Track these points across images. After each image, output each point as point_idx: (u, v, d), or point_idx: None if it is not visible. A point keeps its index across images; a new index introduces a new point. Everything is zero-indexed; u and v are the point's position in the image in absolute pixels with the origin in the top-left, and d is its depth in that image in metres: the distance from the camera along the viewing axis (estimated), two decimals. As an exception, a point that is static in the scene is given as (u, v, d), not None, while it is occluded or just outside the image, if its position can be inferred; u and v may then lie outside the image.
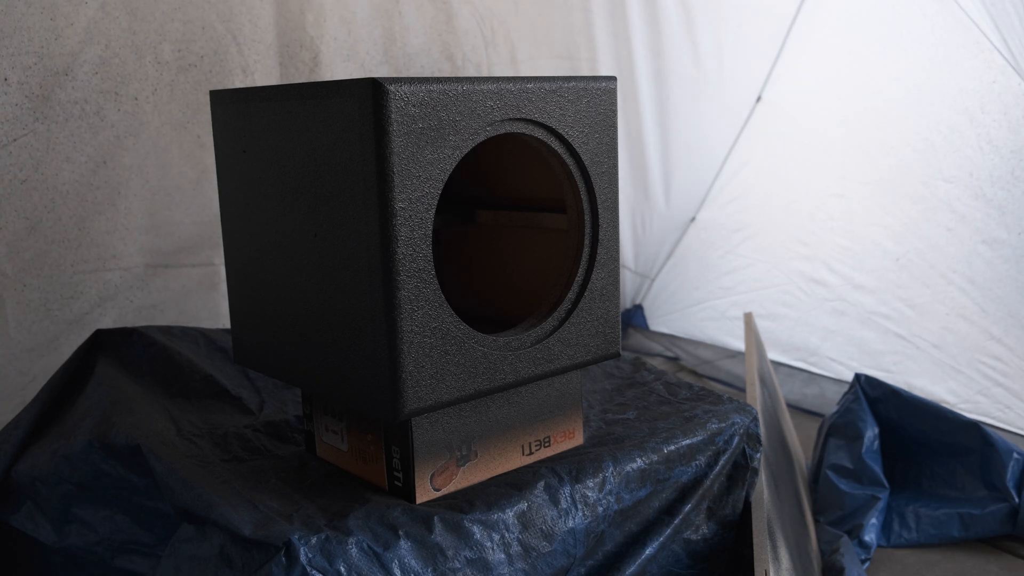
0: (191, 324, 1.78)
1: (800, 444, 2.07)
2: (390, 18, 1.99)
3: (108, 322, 1.67)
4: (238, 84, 1.76)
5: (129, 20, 1.62)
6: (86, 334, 1.61)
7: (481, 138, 1.06)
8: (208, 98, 1.71)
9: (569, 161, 1.17)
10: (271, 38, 1.79)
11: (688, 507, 1.30)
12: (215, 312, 1.81)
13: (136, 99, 1.65)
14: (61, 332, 1.62)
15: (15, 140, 1.52)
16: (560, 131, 1.14)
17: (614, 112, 1.20)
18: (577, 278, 1.20)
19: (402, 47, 2.03)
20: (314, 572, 0.96)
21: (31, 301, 1.58)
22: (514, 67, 2.31)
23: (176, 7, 1.67)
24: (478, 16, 2.19)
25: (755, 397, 1.56)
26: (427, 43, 2.08)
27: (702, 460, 1.32)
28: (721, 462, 1.34)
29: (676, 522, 1.28)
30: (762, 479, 1.40)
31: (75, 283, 1.63)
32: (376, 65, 1.99)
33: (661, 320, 2.89)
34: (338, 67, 1.91)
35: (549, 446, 1.27)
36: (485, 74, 2.21)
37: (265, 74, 1.79)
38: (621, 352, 1.30)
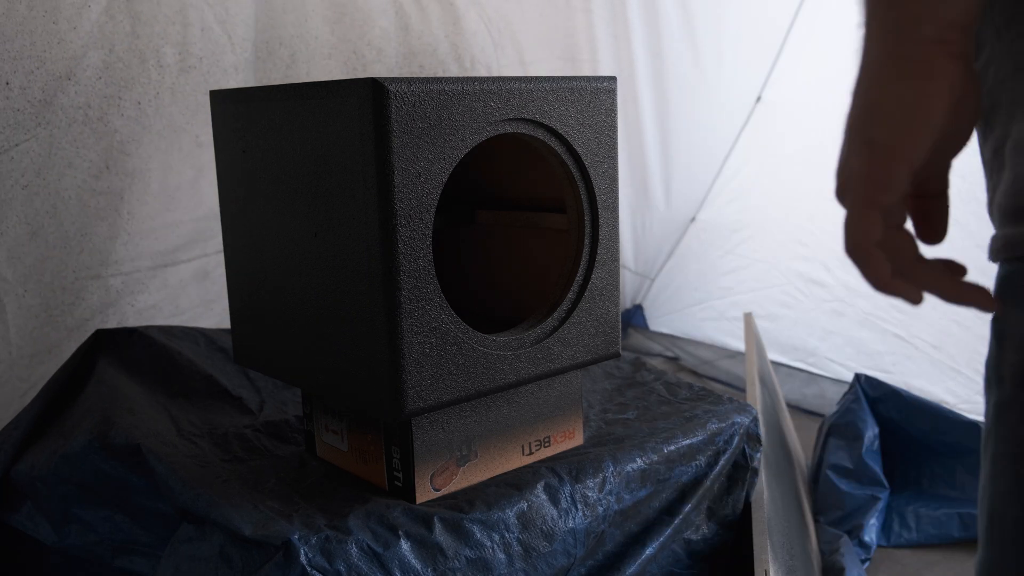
0: (185, 316, 1.79)
1: (800, 444, 2.07)
2: (388, 17, 1.99)
3: (114, 325, 1.67)
4: (231, 84, 1.76)
5: (132, 24, 1.62)
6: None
7: (481, 138, 1.06)
8: (206, 99, 1.72)
9: (569, 161, 1.17)
10: (254, 35, 1.79)
11: (688, 507, 1.30)
12: (205, 298, 1.81)
13: (139, 103, 1.65)
14: (62, 339, 1.62)
15: (17, 145, 1.51)
16: (560, 131, 1.14)
17: (614, 112, 1.20)
18: (577, 278, 1.20)
19: (409, 47, 2.03)
20: (314, 572, 0.96)
21: (32, 307, 1.57)
22: (523, 69, 2.31)
23: (177, 10, 1.67)
24: (486, 17, 2.18)
25: (755, 397, 1.56)
26: (433, 43, 2.08)
27: (702, 460, 1.32)
28: (721, 462, 1.34)
29: (676, 522, 1.28)
30: (762, 479, 1.40)
31: (76, 289, 1.63)
32: (392, 67, 2.00)
33: (661, 320, 2.89)
34: (323, 65, 1.91)
35: (549, 446, 1.27)
36: (488, 75, 2.21)
37: (247, 71, 1.79)
38: (621, 352, 1.30)
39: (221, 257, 1.81)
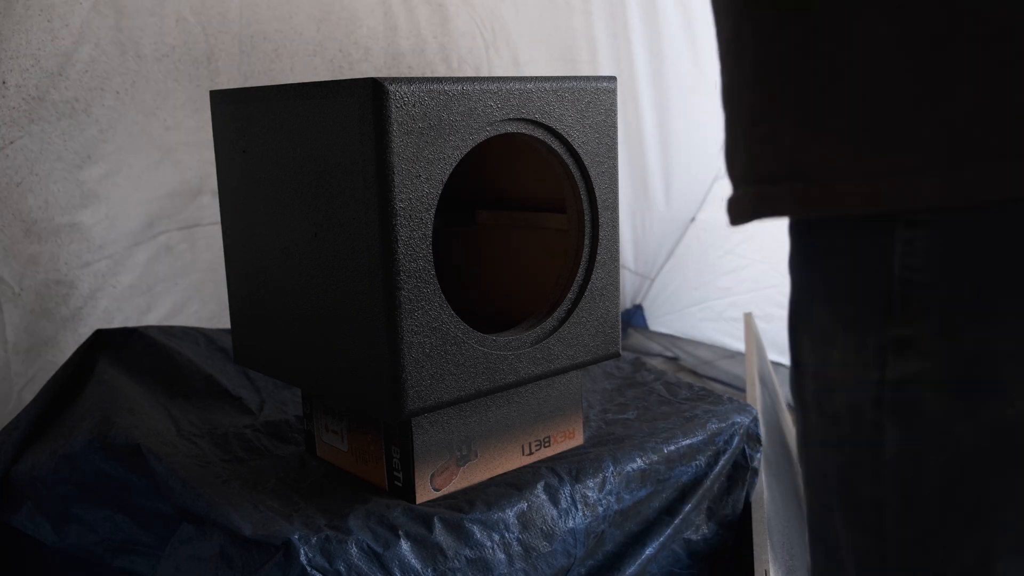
0: (154, 292, 1.79)
1: (800, 444, 2.07)
2: (377, 16, 2.00)
3: (100, 310, 1.69)
4: (201, 73, 1.78)
5: (116, 17, 1.63)
6: (82, 329, 1.61)
7: (481, 138, 1.06)
8: (176, 86, 1.73)
9: (569, 161, 1.17)
10: (237, 29, 1.81)
11: (688, 507, 1.30)
12: (168, 274, 1.83)
13: (118, 93, 1.67)
14: (58, 330, 1.63)
15: (11, 143, 1.52)
16: (560, 131, 1.14)
17: (614, 112, 1.20)
18: (577, 278, 1.20)
19: (397, 47, 2.03)
20: (314, 572, 0.96)
21: (27, 303, 1.58)
22: (517, 69, 2.31)
23: (157, 3, 1.68)
24: (477, 18, 2.18)
25: (755, 397, 1.56)
26: (421, 44, 2.08)
27: (702, 460, 1.32)
28: (721, 462, 1.34)
29: (676, 522, 1.28)
30: (762, 479, 1.40)
31: (70, 280, 1.64)
32: (380, 67, 2.00)
33: (661, 320, 2.89)
34: (308, 62, 1.92)
35: (549, 446, 1.27)
36: (486, 75, 2.21)
37: (228, 62, 1.80)
38: (621, 352, 1.30)
39: (182, 233, 1.82)
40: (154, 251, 1.80)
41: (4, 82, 1.49)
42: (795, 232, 0.60)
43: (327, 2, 1.92)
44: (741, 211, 0.60)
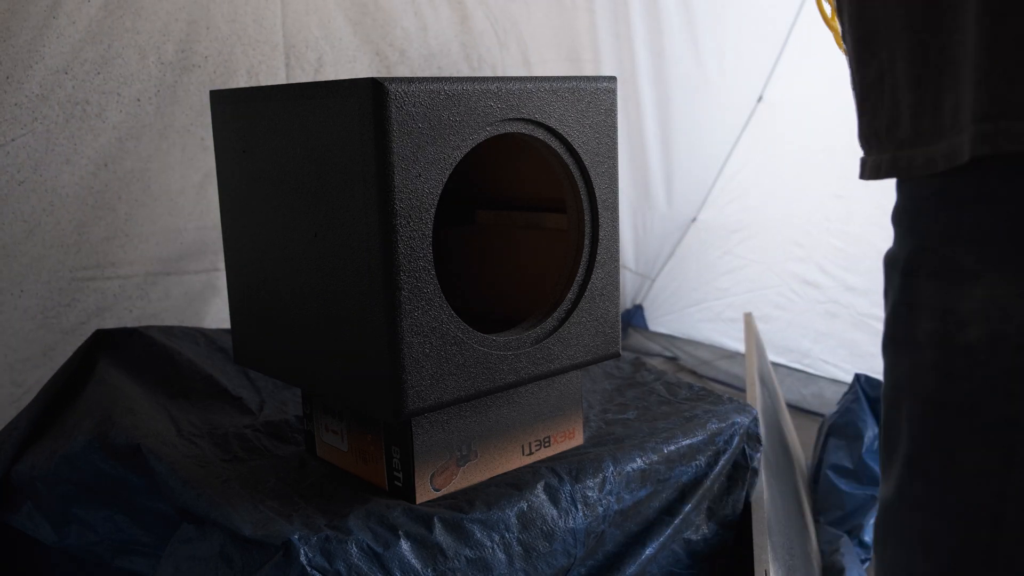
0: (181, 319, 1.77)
1: (800, 444, 2.07)
2: (409, 17, 1.99)
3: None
4: (242, 85, 1.75)
5: (132, 19, 1.61)
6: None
7: (481, 138, 1.06)
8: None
9: (569, 161, 1.17)
10: (277, 39, 1.79)
11: (688, 507, 1.30)
12: (217, 317, 1.79)
13: (139, 100, 1.64)
14: (57, 342, 1.60)
15: (13, 140, 1.50)
16: (560, 131, 1.14)
17: (614, 112, 1.20)
18: (577, 278, 1.20)
19: (428, 48, 2.03)
20: (314, 572, 0.96)
21: (28, 308, 1.55)
22: (527, 69, 2.31)
23: (180, 7, 1.66)
24: (492, 17, 2.19)
25: (755, 397, 1.56)
26: (447, 44, 2.08)
27: (702, 460, 1.32)
28: (721, 462, 1.34)
29: (676, 522, 1.28)
30: (762, 479, 1.40)
31: (73, 290, 1.61)
32: (416, 69, 2.00)
33: (661, 320, 2.89)
34: (343, 68, 1.91)
35: (549, 446, 1.27)
36: (499, 75, 2.22)
37: (270, 75, 1.78)
38: (621, 352, 1.30)
39: (210, 276, 1.78)
40: (198, 286, 1.74)
41: (8, 77, 1.48)
42: (935, 181, 0.63)
43: (362, 4, 1.91)
44: (958, 152, 0.62)
